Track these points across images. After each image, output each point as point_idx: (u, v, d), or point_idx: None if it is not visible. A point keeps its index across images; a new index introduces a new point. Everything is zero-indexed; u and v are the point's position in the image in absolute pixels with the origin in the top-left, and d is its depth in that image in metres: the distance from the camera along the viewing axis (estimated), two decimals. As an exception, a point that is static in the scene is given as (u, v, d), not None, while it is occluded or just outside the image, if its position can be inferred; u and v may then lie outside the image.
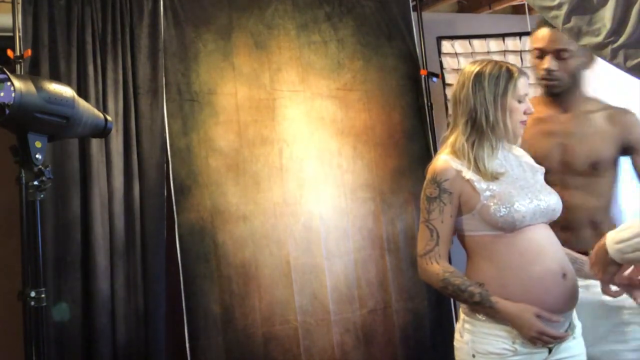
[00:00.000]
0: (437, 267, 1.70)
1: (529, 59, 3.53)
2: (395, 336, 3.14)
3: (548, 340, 1.63)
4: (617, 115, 2.10)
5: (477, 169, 1.70)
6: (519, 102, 1.73)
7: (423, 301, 3.21)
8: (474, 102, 1.72)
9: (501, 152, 1.77)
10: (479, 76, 1.73)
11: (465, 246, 1.77)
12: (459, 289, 1.66)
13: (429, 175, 1.76)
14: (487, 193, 1.67)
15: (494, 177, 1.69)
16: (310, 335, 2.97)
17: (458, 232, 1.78)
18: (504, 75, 1.72)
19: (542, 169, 1.86)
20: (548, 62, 2.05)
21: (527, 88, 1.75)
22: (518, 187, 1.71)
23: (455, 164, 1.72)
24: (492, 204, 1.66)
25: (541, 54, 2.08)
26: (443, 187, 1.71)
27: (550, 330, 1.62)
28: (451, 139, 1.78)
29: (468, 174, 1.70)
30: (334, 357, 2.99)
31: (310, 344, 2.96)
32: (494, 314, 1.65)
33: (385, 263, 3.15)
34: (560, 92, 2.10)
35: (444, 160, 1.75)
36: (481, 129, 1.72)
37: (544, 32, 2.07)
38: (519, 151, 1.86)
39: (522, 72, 1.76)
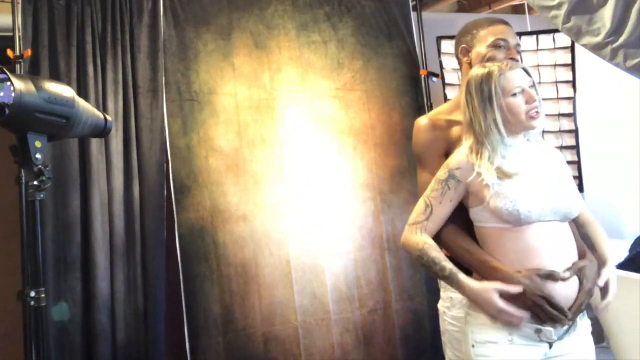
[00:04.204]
0: (419, 237, 1.79)
1: (526, 58, 3.54)
2: (395, 336, 3.14)
3: (510, 320, 1.64)
4: None
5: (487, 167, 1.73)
6: (514, 95, 1.71)
7: (423, 301, 3.21)
8: (469, 113, 1.76)
9: (519, 150, 1.77)
10: (468, 86, 1.77)
11: (477, 239, 1.80)
12: (433, 262, 1.74)
13: (446, 162, 1.82)
14: (497, 187, 1.70)
15: (506, 175, 1.71)
16: (311, 335, 2.97)
17: (474, 224, 1.81)
18: (486, 79, 1.74)
19: (569, 174, 1.85)
20: (515, 53, 2.06)
21: (521, 80, 1.73)
22: (531, 187, 1.71)
23: (472, 157, 1.76)
24: (499, 197, 1.69)
25: (507, 44, 2.09)
26: (453, 173, 1.76)
27: (509, 309, 1.63)
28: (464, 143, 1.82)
29: (480, 169, 1.73)
30: (334, 357, 2.99)
31: (311, 344, 2.96)
32: (460, 291, 1.72)
33: (385, 263, 3.15)
34: None
35: (463, 152, 1.79)
36: (479, 138, 1.75)
37: (506, 27, 2.08)
38: (552, 151, 1.86)
39: (504, 69, 1.75)
